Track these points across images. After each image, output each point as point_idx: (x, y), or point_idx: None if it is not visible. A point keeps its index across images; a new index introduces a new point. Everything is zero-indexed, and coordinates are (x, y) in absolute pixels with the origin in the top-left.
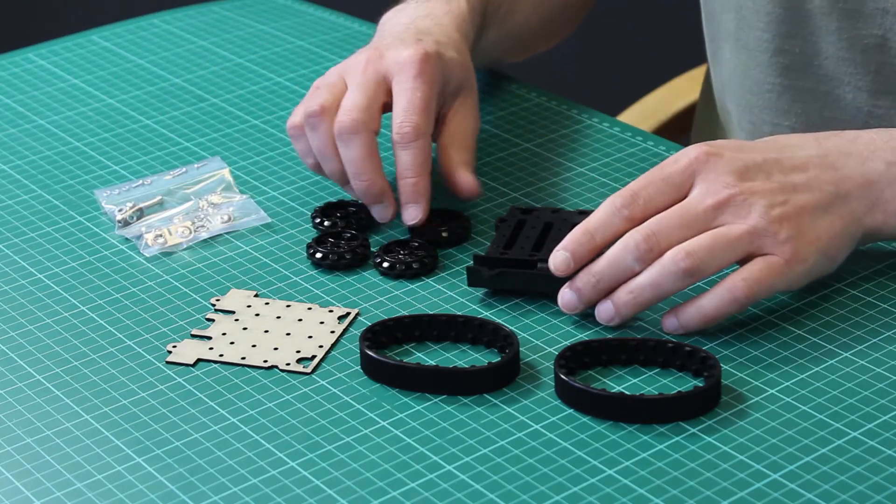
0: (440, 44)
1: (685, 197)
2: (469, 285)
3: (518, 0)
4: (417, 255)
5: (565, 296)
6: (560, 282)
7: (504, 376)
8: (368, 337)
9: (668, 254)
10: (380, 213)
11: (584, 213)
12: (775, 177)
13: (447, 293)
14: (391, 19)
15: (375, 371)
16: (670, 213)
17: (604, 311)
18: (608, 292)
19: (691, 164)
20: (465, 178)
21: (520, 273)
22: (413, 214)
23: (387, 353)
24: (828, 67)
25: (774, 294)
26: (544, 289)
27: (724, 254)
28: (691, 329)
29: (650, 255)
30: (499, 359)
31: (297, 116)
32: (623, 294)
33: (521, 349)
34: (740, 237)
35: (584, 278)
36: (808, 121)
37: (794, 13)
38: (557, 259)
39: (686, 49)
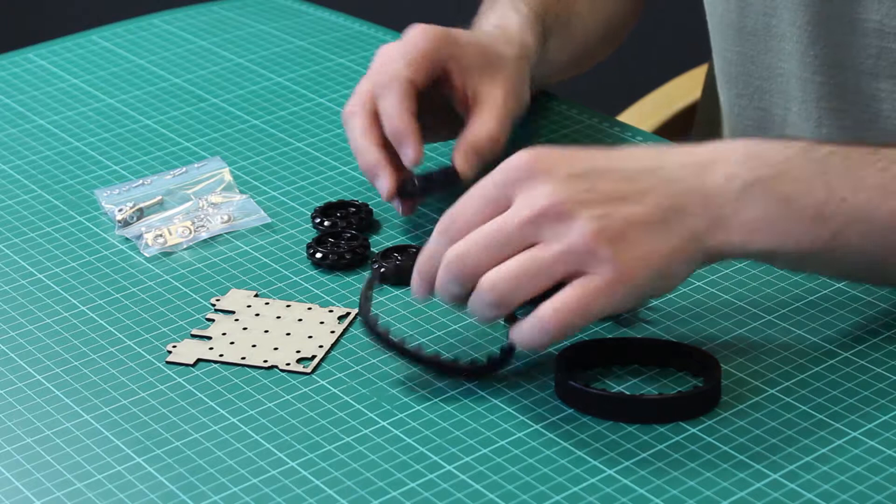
0: (457, 29)
1: (505, 210)
2: None
3: (574, 7)
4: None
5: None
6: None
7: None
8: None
9: (479, 283)
10: (380, 185)
11: None
12: (601, 186)
13: None
14: None
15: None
16: (479, 234)
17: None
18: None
19: (509, 173)
20: (457, 160)
21: None
22: (407, 156)
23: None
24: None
25: (602, 317)
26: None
27: (534, 282)
28: (527, 348)
29: (464, 278)
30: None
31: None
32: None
33: (521, 349)
34: (553, 261)
35: (420, 293)
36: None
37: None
38: (414, 288)
39: (686, 49)
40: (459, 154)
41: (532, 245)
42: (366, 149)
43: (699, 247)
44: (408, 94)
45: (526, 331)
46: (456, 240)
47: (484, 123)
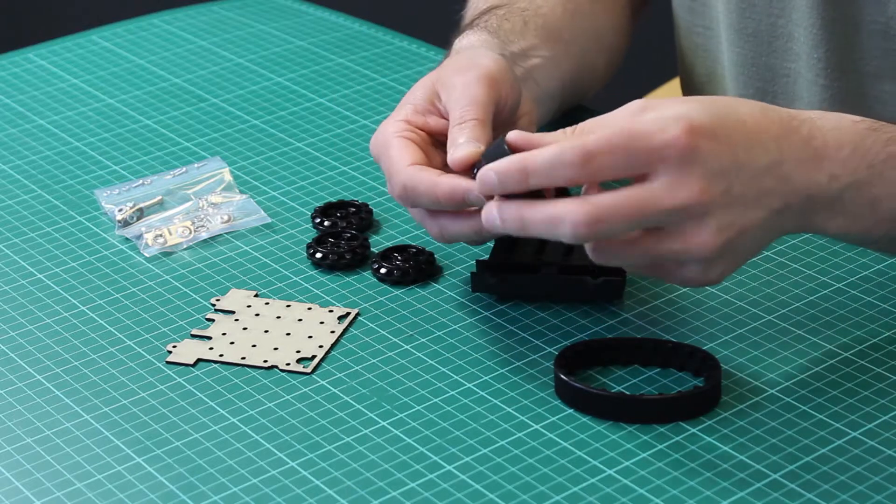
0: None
1: (640, 177)
2: (473, 290)
3: (549, 16)
4: (416, 262)
5: (487, 214)
6: (563, 285)
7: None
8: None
9: (567, 216)
10: (476, 196)
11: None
12: (736, 188)
13: (448, 293)
14: None
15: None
16: (623, 206)
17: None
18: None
19: (664, 148)
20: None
21: (524, 277)
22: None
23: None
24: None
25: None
26: (549, 292)
27: (642, 262)
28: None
29: (585, 238)
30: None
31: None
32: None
33: (521, 349)
34: (666, 257)
35: (512, 224)
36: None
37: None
38: (485, 179)
39: None
40: (452, 152)
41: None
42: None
43: (780, 236)
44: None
45: (607, 254)
46: (581, 180)
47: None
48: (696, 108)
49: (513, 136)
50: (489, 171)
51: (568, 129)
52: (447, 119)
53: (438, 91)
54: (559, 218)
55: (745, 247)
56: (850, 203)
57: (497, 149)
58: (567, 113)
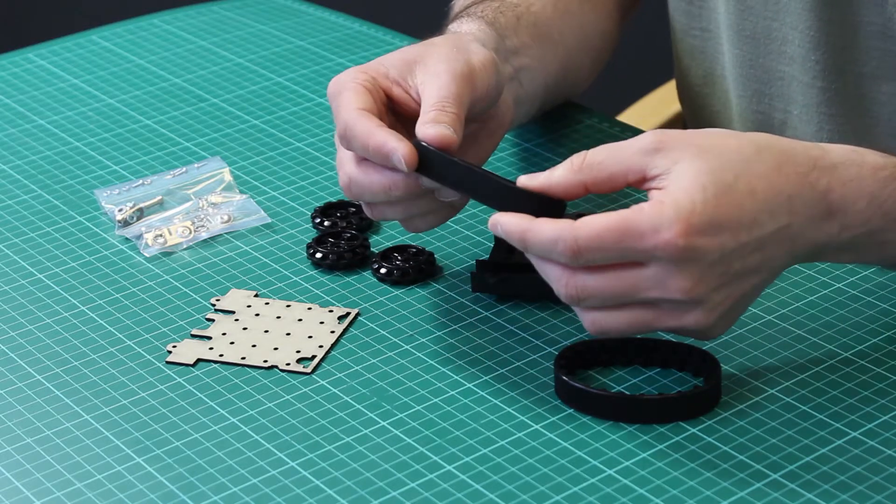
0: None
1: (630, 264)
2: (473, 290)
3: (541, 14)
4: (416, 262)
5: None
6: None
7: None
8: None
9: (587, 317)
10: (396, 158)
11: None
12: (735, 266)
13: (448, 293)
14: None
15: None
16: (607, 285)
17: None
18: None
19: (655, 250)
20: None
21: (523, 277)
22: (397, 161)
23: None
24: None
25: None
26: (548, 292)
27: (637, 333)
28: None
29: (572, 302)
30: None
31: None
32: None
33: (521, 349)
34: (663, 329)
35: (516, 234)
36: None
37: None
38: (493, 227)
39: None
40: (428, 125)
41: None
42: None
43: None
44: (358, 113)
45: (607, 323)
46: (571, 267)
47: (435, 91)
48: (701, 189)
49: (523, 179)
50: (498, 221)
51: (576, 159)
52: (411, 97)
53: (415, 69)
54: (550, 277)
55: (744, 305)
56: (860, 247)
57: (417, 146)
58: (548, 113)
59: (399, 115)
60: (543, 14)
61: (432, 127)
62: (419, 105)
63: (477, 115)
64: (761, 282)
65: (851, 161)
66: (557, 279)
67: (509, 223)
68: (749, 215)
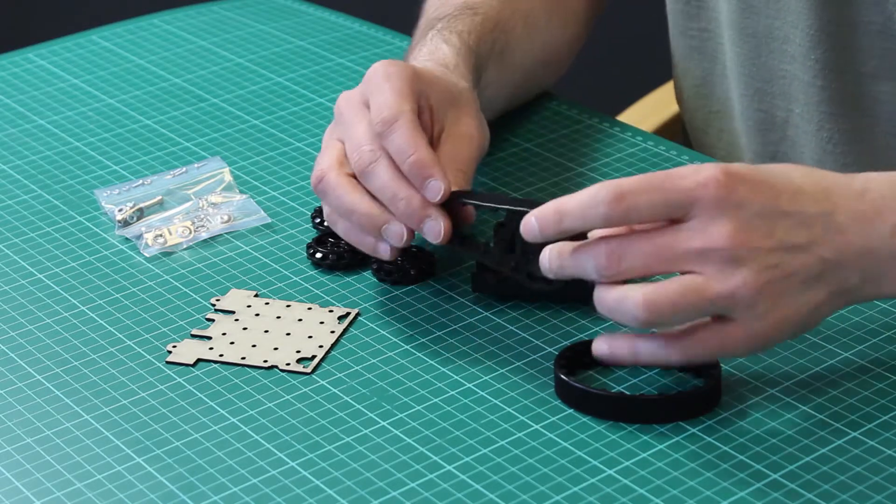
0: (418, 64)
1: (675, 219)
2: (473, 290)
3: (512, 33)
4: (416, 262)
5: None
6: (564, 287)
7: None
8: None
9: (631, 296)
10: (432, 228)
11: None
12: (779, 232)
13: (448, 293)
14: None
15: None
16: (648, 241)
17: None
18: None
19: (698, 188)
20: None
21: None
22: (435, 189)
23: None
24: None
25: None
26: (549, 293)
27: (689, 314)
28: (620, 363)
29: (610, 273)
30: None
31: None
32: (597, 303)
33: (521, 349)
34: (714, 300)
35: (555, 259)
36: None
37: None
38: (527, 227)
39: None
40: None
41: (691, 271)
42: (399, 192)
43: (847, 299)
44: (418, 128)
45: (649, 350)
46: (615, 219)
47: (459, 152)
48: (736, 164)
49: None
50: (530, 217)
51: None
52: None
53: (451, 112)
54: (586, 253)
55: (798, 298)
56: None
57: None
58: (548, 114)
59: None
60: (513, 34)
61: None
62: (430, 140)
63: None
64: (812, 271)
65: (882, 174)
66: (595, 253)
67: (541, 209)
68: (789, 189)
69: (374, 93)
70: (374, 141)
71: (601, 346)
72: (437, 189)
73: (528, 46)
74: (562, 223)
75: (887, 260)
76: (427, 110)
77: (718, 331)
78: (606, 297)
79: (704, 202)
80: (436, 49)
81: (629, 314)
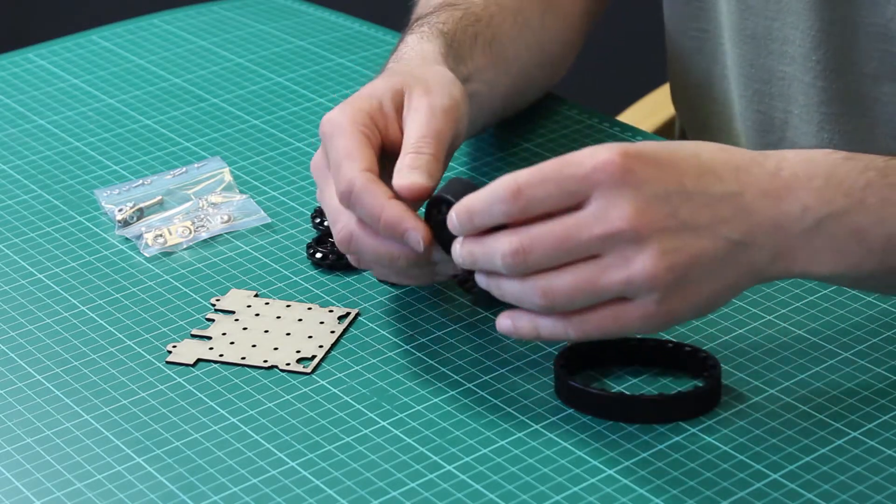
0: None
1: (576, 206)
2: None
3: (499, 27)
4: None
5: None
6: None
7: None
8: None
9: (530, 282)
10: (414, 239)
11: None
12: (682, 213)
13: (448, 293)
14: None
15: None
16: (549, 233)
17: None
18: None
19: (594, 172)
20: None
21: None
22: (414, 240)
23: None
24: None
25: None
26: None
27: (587, 299)
28: (524, 338)
29: (516, 268)
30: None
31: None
32: (497, 292)
33: (521, 349)
34: (610, 287)
35: (463, 253)
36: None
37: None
38: (450, 223)
39: None
40: (402, 173)
41: (594, 256)
42: (388, 253)
43: (755, 277)
44: (375, 182)
45: (549, 327)
46: (515, 214)
47: (428, 131)
48: (640, 143)
49: None
50: (451, 213)
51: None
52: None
53: (404, 99)
54: (493, 250)
55: (702, 281)
56: (831, 236)
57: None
58: (548, 114)
59: (385, 146)
60: (501, 30)
61: (406, 176)
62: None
63: (455, 148)
64: (719, 253)
65: (798, 151)
66: (500, 247)
67: (457, 206)
68: (694, 168)
69: (330, 156)
70: (345, 211)
71: (504, 322)
72: (416, 239)
73: (519, 43)
74: (473, 221)
75: (798, 237)
76: (384, 119)
77: (615, 310)
78: (512, 288)
79: (602, 186)
80: (402, 45)
81: (530, 302)
